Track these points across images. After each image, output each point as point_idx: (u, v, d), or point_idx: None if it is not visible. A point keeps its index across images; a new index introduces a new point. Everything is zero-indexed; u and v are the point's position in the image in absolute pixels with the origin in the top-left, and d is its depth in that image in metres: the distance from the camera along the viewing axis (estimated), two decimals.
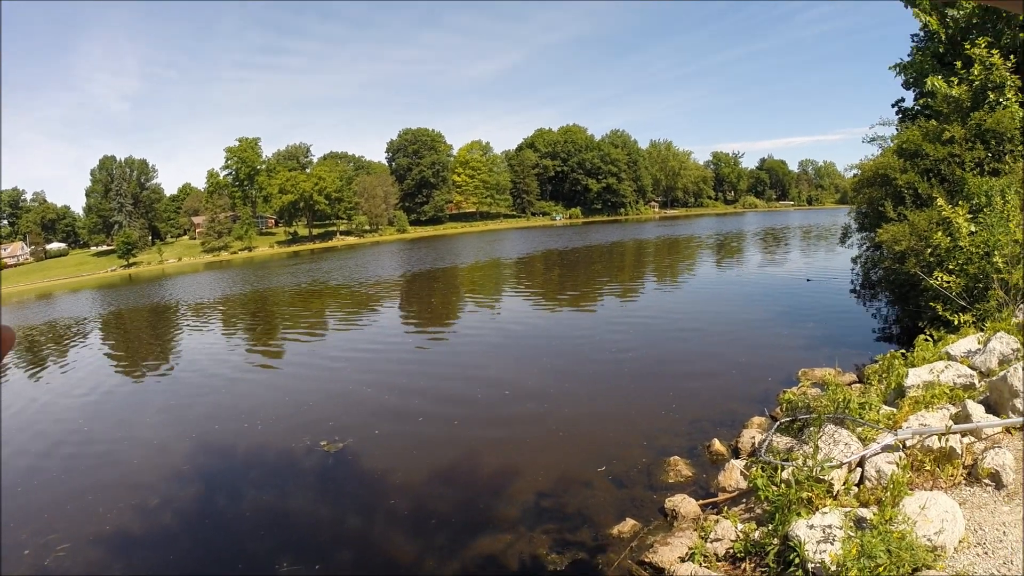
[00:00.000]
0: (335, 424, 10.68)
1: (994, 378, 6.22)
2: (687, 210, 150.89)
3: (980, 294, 9.50)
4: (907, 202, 11.75)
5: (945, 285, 9.60)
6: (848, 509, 4.68)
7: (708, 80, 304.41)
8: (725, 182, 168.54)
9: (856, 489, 5.33)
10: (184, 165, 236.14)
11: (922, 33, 15.22)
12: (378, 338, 18.83)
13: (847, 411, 6.35)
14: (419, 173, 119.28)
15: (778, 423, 7.48)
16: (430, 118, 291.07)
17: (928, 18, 14.03)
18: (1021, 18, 11.37)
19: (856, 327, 14.80)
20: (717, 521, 5.83)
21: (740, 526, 5.55)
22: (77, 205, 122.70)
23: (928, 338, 9.08)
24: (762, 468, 5.92)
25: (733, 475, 6.97)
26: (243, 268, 65.51)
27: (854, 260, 15.97)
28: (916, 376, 7.05)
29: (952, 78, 12.40)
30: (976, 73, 11.87)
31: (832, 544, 4.23)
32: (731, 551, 5.27)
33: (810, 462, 5.27)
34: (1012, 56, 11.92)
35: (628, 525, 6.38)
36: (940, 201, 9.98)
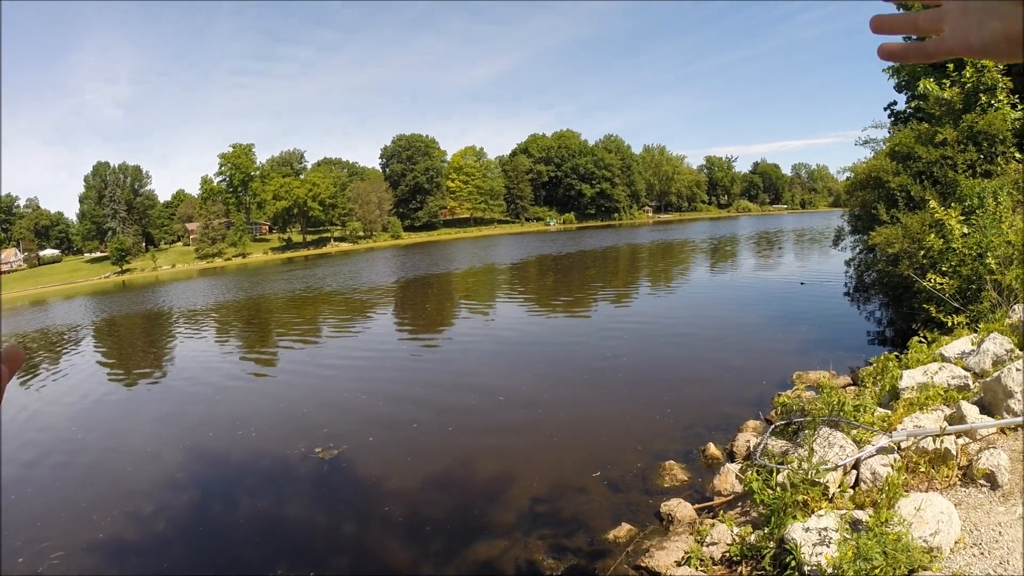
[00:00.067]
0: (329, 431, 10.63)
1: (988, 379, 6.23)
2: (681, 215, 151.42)
3: (973, 295, 9.53)
4: (900, 204, 11.79)
5: (938, 287, 9.62)
6: (844, 511, 4.66)
7: (701, 84, 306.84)
8: (719, 186, 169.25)
9: (851, 491, 5.32)
10: (178, 171, 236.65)
11: (915, 36, 15.29)
12: (372, 345, 18.78)
13: (842, 414, 6.34)
14: (413, 179, 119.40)
15: (773, 426, 7.47)
16: (424, 124, 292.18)
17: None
18: None
19: (850, 330, 14.83)
20: (713, 525, 5.81)
21: (736, 529, 5.53)
22: (71, 211, 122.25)
23: (922, 340, 9.10)
24: (757, 471, 5.91)
25: (728, 479, 6.96)
26: (237, 274, 65.36)
27: (847, 263, 16.00)
28: (910, 378, 7.05)
29: (944, 80, 12.46)
30: (968, 75, 11.93)
31: (828, 546, 4.21)
32: (727, 555, 5.25)
33: (805, 465, 5.26)
34: None
35: (624, 530, 6.35)
36: (933, 203, 10.02)
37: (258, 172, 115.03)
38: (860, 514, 4.57)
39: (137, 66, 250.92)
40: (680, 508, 6.46)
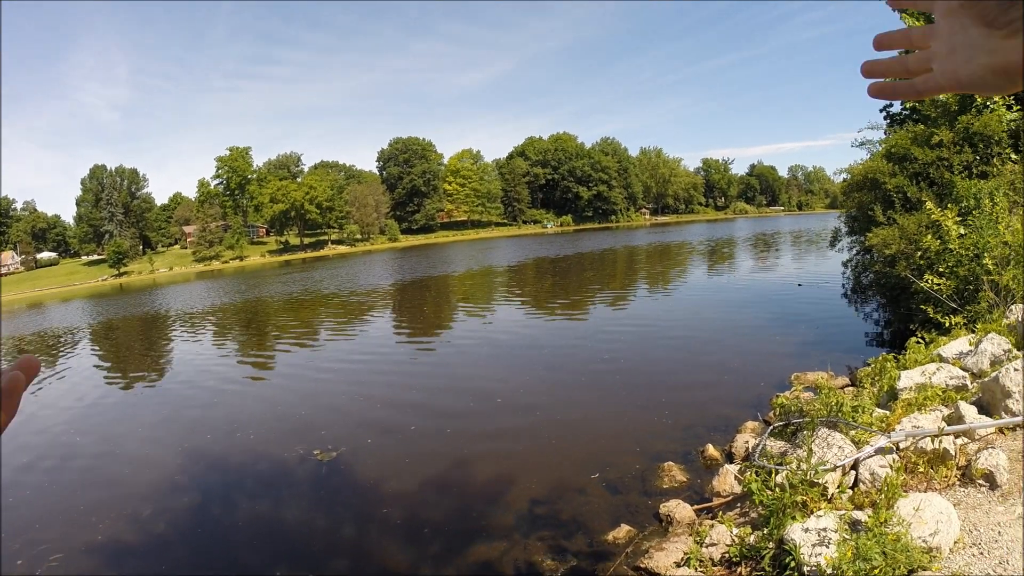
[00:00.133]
0: (327, 433, 10.61)
1: (986, 379, 6.24)
2: (678, 217, 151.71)
3: (971, 296, 9.55)
4: (896, 206, 11.81)
5: (936, 288, 9.64)
6: (843, 512, 4.67)
7: (698, 87, 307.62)
8: (715, 188, 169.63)
9: (850, 492, 5.32)
10: (175, 174, 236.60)
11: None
12: (370, 347, 18.75)
13: (840, 414, 6.35)
14: (410, 182, 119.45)
15: (771, 427, 7.47)
16: (421, 127, 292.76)
17: (916, 22, 14.15)
18: None
19: (848, 331, 14.85)
20: (712, 526, 5.81)
21: (735, 530, 5.53)
22: (67, 214, 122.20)
23: (920, 340, 9.11)
24: (756, 472, 5.91)
25: (727, 480, 6.96)
26: (234, 277, 65.27)
27: (845, 264, 16.03)
28: (908, 378, 7.06)
29: None
30: None
31: (827, 547, 4.21)
32: (726, 555, 5.25)
33: (804, 466, 5.27)
34: None
35: (623, 531, 6.35)
36: (929, 204, 10.04)
37: (255, 175, 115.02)
38: (859, 514, 4.58)
39: (134, 69, 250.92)
40: (679, 509, 6.46)
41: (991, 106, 11.65)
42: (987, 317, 8.80)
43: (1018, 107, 11.65)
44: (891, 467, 5.21)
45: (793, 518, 4.78)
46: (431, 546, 6.77)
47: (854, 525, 4.43)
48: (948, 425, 5.56)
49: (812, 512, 4.86)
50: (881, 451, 5.56)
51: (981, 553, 4.14)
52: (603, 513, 6.92)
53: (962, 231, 9.64)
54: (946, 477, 5.20)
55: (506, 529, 6.85)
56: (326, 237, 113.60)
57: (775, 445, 6.85)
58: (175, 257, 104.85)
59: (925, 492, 4.81)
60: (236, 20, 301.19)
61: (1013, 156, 11.37)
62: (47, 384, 18.15)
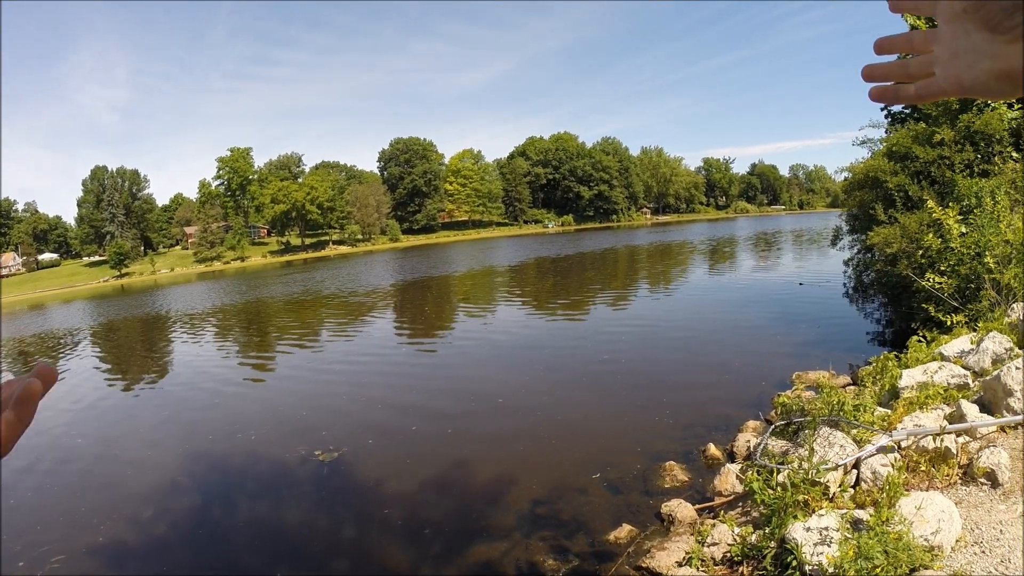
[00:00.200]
0: (328, 434, 10.60)
1: (988, 377, 6.23)
2: (679, 216, 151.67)
3: (972, 294, 9.53)
4: (898, 204, 11.80)
5: (937, 286, 9.63)
6: (844, 511, 4.66)
7: (699, 86, 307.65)
8: (716, 188, 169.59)
9: (852, 491, 5.32)
10: (176, 175, 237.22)
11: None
12: (371, 348, 18.76)
13: (842, 413, 6.34)
14: (411, 182, 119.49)
15: (773, 427, 7.46)
16: (421, 127, 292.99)
17: (917, 21, 14.14)
18: None
19: (849, 330, 14.83)
20: (714, 525, 5.81)
21: (737, 530, 5.52)
22: (69, 215, 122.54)
23: (921, 339, 9.10)
24: (758, 472, 5.90)
25: (729, 479, 6.95)
26: (236, 278, 65.31)
27: (846, 263, 16.00)
28: (910, 377, 7.06)
29: None
30: None
31: (829, 546, 4.21)
32: (728, 555, 5.25)
33: (805, 465, 5.26)
34: None
35: (624, 531, 6.34)
36: (931, 203, 10.02)
37: (256, 176, 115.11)
38: (861, 513, 4.57)
39: (134, 69, 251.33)
40: (681, 509, 6.45)
41: (992, 105, 11.63)
42: (988, 315, 8.79)
43: (1019, 106, 11.63)
44: (893, 466, 5.21)
45: (795, 517, 4.77)
46: (432, 546, 6.76)
47: (856, 524, 4.42)
48: (950, 424, 5.55)
49: (814, 511, 4.85)
50: (883, 450, 5.55)
51: (983, 552, 4.13)
52: (604, 513, 6.91)
53: (963, 230, 9.62)
54: (948, 476, 5.19)
55: (507, 529, 6.85)
56: (327, 237, 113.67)
57: (777, 444, 6.85)
58: (176, 258, 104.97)
59: (927, 491, 4.81)
60: (236, 20, 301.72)
61: (1014, 154, 11.36)
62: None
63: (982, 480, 4.97)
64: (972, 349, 7.52)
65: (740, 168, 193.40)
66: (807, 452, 5.43)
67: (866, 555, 3.89)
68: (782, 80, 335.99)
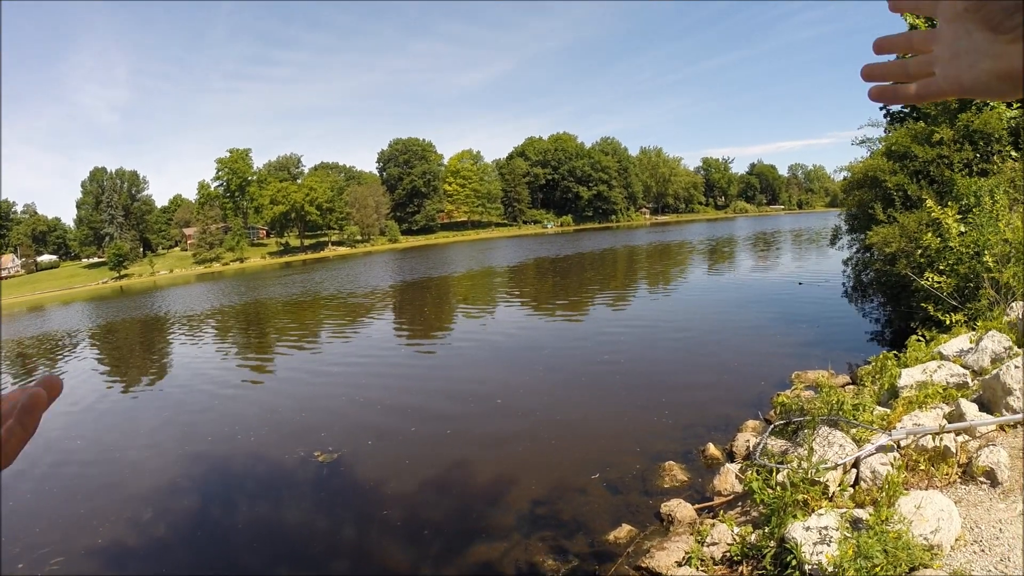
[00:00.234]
0: (328, 435, 10.60)
1: (987, 376, 6.23)
2: (678, 216, 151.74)
3: (971, 293, 9.54)
4: (897, 204, 11.80)
5: (936, 285, 9.63)
6: (844, 510, 4.66)
7: (698, 86, 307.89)
8: (715, 187, 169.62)
9: (851, 490, 5.32)
10: (175, 176, 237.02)
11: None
12: (371, 349, 18.76)
13: (841, 413, 6.34)
14: (410, 183, 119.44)
15: (772, 426, 7.46)
16: (421, 127, 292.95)
17: (916, 20, 14.14)
18: None
19: (848, 329, 14.84)
20: (713, 525, 5.80)
21: (736, 529, 5.52)
22: (68, 217, 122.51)
23: (920, 338, 9.11)
24: (757, 471, 5.90)
25: (728, 479, 6.95)
26: (235, 279, 65.28)
27: (845, 263, 16.00)
28: (909, 376, 7.06)
29: None
30: None
31: (829, 545, 4.20)
32: (728, 554, 5.24)
33: (805, 464, 5.26)
34: None
35: (624, 531, 6.34)
36: (930, 202, 10.02)
37: (255, 177, 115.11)
38: (860, 512, 4.57)
39: (133, 70, 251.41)
40: (680, 508, 6.45)
41: (991, 104, 11.63)
42: (988, 314, 8.79)
43: (1018, 105, 11.63)
44: (892, 465, 5.20)
45: (794, 517, 4.77)
46: (432, 547, 6.76)
47: (855, 523, 4.42)
48: (949, 423, 5.55)
49: (813, 511, 4.85)
50: (882, 449, 5.55)
51: (982, 550, 4.13)
52: (604, 513, 6.91)
53: (962, 229, 9.63)
54: (947, 475, 5.19)
55: (507, 529, 6.85)
56: (326, 239, 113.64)
57: (776, 444, 6.85)
58: (175, 259, 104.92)
59: (926, 490, 4.81)
60: (236, 20, 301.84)
61: (1013, 153, 11.35)
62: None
63: (981, 479, 4.97)
64: (971, 348, 7.52)
65: (739, 168, 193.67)
66: (806, 451, 5.43)
67: (866, 554, 3.88)
68: (782, 80, 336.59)
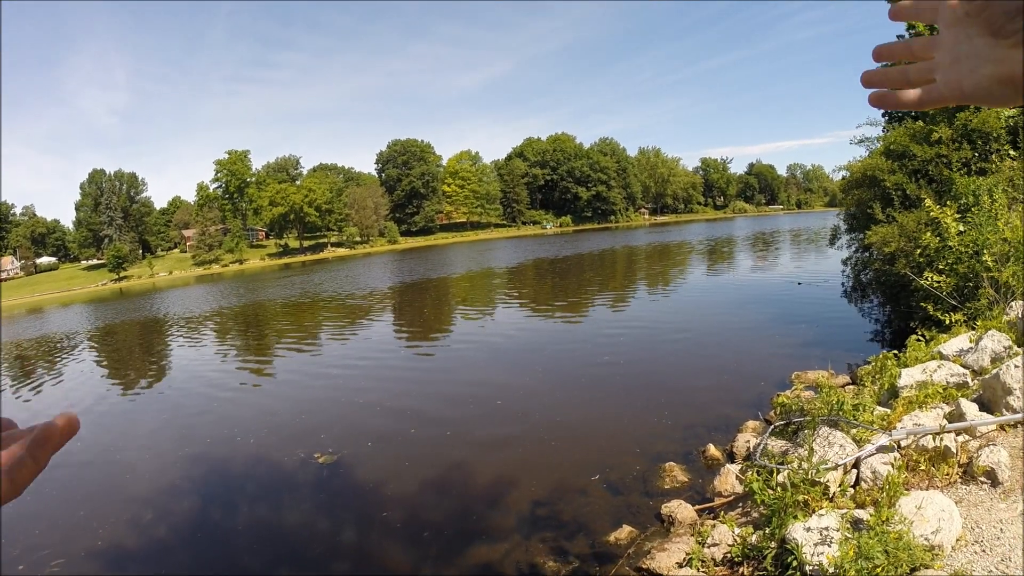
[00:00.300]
0: (328, 437, 10.59)
1: (987, 376, 6.23)
2: (677, 216, 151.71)
3: (970, 293, 9.54)
4: (896, 203, 11.81)
5: (935, 285, 9.63)
6: (845, 511, 4.66)
7: (696, 87, 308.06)
8: (714, 188, 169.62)
9: (852, 491, 5.31)
10: (174, 178, 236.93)
11: (908, 34, 15.34)
12: (370, 350, 18.75)
13: (841, 413, 6.34)
14: (409, 184, 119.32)
15: (772, 427, 7.46)
16: (419, 129, 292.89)
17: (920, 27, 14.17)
18: None
19: (848, 329, 14.83)
20: (714, 526, 5.80)
21: (737, 530, 5.51)
22: (67, 219, 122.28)
23: (920, 338, 9.10)
24: (757, 472, 5.90)
25: (729, 479, 6.94)
26: (234, 281, 65.24)
27: (844, 262, 16.01)
28: (909, 376, 7.05)
29: None
30: None
31: (829, 546, 4.20)
32: (728, 555, 5.24)
33: (805, 465, 5.26)
34: None
35: (625, 532, 6.34)
36: (928, 202, 10.03)
37: (254, 178, 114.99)
38: (861, 513, 4.56)
39: (133, 73, 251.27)
40: (681, 509, 6.45)
41: None
42: (987, 314, 8.79)
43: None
44: (893, 465, 5.20)
45: (795, 517, 4.77)
46: (432, 548, 6.76)
47: (856, 524, 4.42)
48: (949, 423, 5.55)
49: (814, 511, 4.85)
50: (882, 449, 5.54)
51: (983, 551, 4.13)
52: (604, 514, 6.91)
53: (961, 228, 9.63)
54: (948, 475, 5.18)
55: (507, 531, 6.84)
56: (325, 240, 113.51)
57: (776, 444, 6.84)
58: (175, 261, 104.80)
59: (927, 490, 4.80)
60: (234, 23, 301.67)
61: (1011, 152, 11.36)
62: (48, 388, 18.14)
63: (982, 479, 4.97)
64: (971, 348, 7.52)
65: (738, 168, 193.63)
66: (807, 452, 5.42)
67: (866, 555, 3.88)
68: (781, 80, 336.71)
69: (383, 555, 6.87)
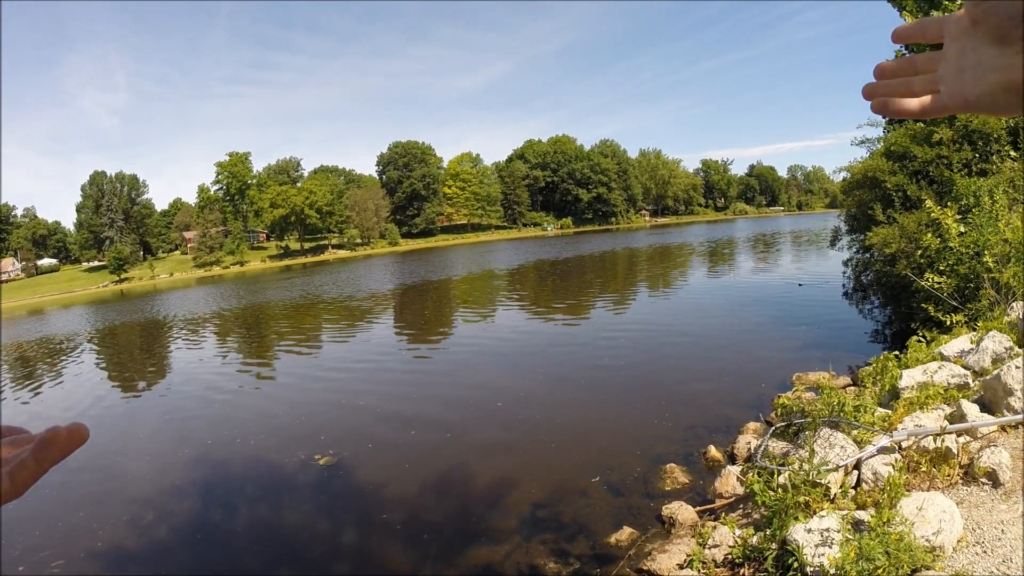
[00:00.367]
0: (328, 438, 10.58)
1: (988, 377, 6.22)
2: (678, 218, 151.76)
3: (971, 294, 9.53)
4: (896, 204, 11.80)
5: (936, 286, 9.62)
6: (845, 512, 4.65)
7: (697, 88, 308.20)
8: (715, 189, 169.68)
9: (853, 492, 5.30)
10: (175, 180, 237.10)
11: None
12: (371, 352, 18.75)
13: (842, 414, 6.33)
14: (410, 186, 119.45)
15: (773, 428, 7.45)
16: (420, 131, 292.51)
17: (915, 19, 14.16)
18: None
19: (849, 330, 14.82)
20: (715, 527, 5.79)
21: (738, 532, 5.50)
22: (68, 221, 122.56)
23: (921, 339, 9.09)
24: (758, 473, 5.89)
25: (730, 481, 6.93)
26: (235, 283, 65.29)
27: (845, 263, 16.00)
28: (910, 377, 7.04)
29: None
30: None
31: (830, 547, 4.19)
32: (729, 557, 5.23)
33: (806, 466, 5.25)
34: None
35: (625, 533, 6.33)
36: (929, 203, 10.02)
37: (255, 180, 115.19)
38: (862, 514, 4.55)
39: (133, 74, 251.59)
40: (681, 511, 6.44)
41: None
42: (988, 315, 8.78)
43: None
44: (894, 466, 5.19)
45: (796, 519, 4.76)
46: (432, 549, 6.75)
47: (857, 525, 4.41)
48: (950, 424, 5.54)
49: (815, 512, 4.84)
50: (883, 450, 5.54)
51: (984, 552, 4.12)
52: (605, 515, 6.90)
53: (962, 229, 9.62)
54: (949, 476, 5.18)
55: (508, 532, 6.83)
56: (326, 242, 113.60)
57: (777, 446, 6.84)
58: (176, 263, 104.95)
59: (928, 491, 4.80)
60: (235, 24, 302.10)
61: (1012, 153, 11.35)
62: (48, 389, 18.15)
63: (983, 480, 4.96)
64: (972, 348, 7.51)
65: (738, 169, 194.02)
66: (808, 453, 5.41)
67: (867, 556, 3.87)
68: (781, 81, 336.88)
69: (383, 556, 6.86)
